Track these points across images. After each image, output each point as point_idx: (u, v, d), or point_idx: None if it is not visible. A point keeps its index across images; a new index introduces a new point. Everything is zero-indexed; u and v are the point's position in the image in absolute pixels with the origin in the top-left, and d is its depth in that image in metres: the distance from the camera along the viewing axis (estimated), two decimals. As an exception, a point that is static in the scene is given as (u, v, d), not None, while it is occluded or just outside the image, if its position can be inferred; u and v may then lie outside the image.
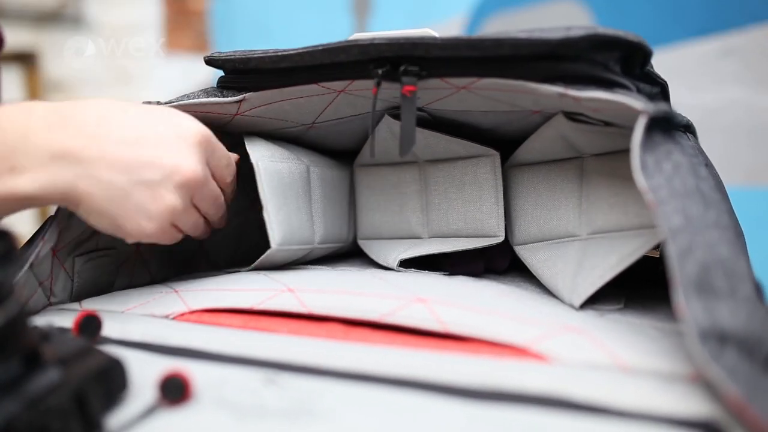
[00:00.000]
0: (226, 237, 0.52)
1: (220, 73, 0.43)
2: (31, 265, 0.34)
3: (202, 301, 0.35)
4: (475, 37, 0.32)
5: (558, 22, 1.13)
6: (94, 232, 0.39)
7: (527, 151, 0.42)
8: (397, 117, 0.42)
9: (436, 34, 0.34)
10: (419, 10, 1.37)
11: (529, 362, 0.27)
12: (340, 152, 0.52)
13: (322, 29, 1.52)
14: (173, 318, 0.34)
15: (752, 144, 0.95)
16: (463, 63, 0.34)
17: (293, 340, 0.30)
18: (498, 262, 0.46)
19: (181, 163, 0.33)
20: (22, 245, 0.36)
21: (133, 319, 0.33)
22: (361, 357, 0.28)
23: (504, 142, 0.44)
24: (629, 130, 0.29)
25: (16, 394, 0.20)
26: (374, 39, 0.34)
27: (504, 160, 0.43)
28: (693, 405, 0.23)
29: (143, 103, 0.37)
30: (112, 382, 0.24)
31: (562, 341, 0.28)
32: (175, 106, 0.40)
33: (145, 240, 0.34)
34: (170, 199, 0.33)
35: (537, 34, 0.31)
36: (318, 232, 0.45)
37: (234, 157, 0.40)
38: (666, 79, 0.38)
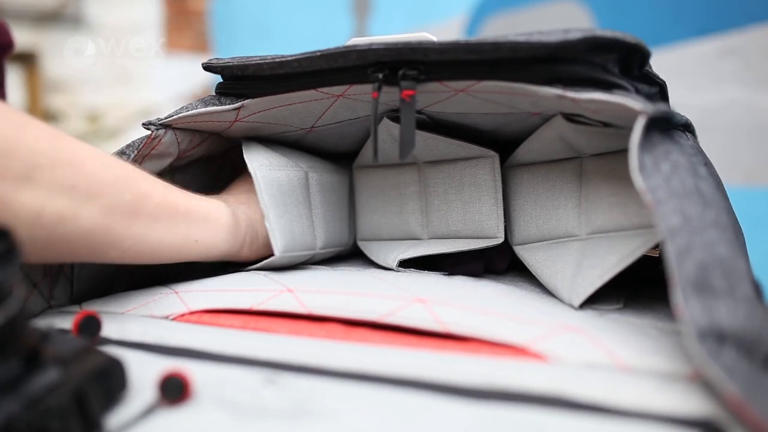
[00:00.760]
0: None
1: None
2: (26, 273, 0.34)
3: (201, 301, 0.35)
4: (473, 40, 0.33)
5: (558, 22, 1.13)
6: None
7: (526, 151, 0.42)
8: (395, 120, 0.42)
9: (434, 38, 0.34)
10: (419, 11, 1.37)
11: (529, 362, 0.27)
12: (339, 155, 0.52)
13: (322, 30, 1.52)
14: (173, 319, 0.34)
15: (752, 144, 0.95)
16: (462, 66, 0.34)
17: (293, 341, 0.30)
18: (497, 263, 0.46)
19: None
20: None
21: (133, 320, 0.33)
22: (360, 357, 0.28)
23: (503, 143, 0.44)
24: (628, 130, 0.29)
25: (15, 393, 0.20)
26: (372, 44, 0.34)
27: (503, 160, 0.43)
28: (692, 404, 0.23)
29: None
30: (111, 381, 0.24)
31: (561, 341, 0.28)
32: (175, 119, 0.40)
33: None
34: None
35: (536, 37, 0.31)
36: (319, 237, 0.45)
37: None
38: (666, 79, 0.38)
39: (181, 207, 0.35)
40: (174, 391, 0.24)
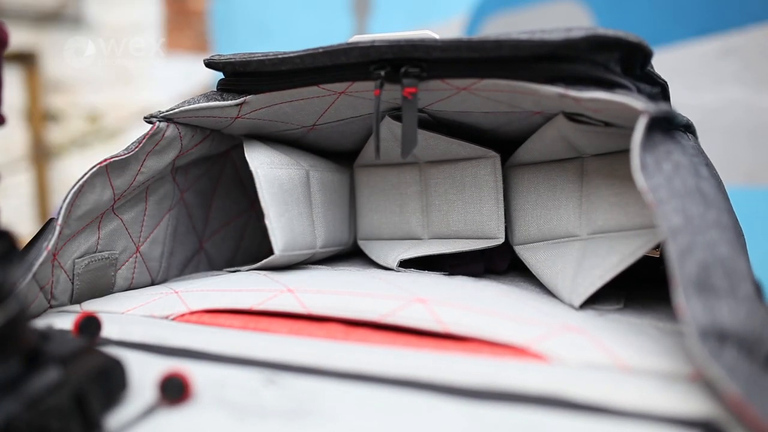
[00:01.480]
0: (226, 237, 0.52)
1: (221, 73, 0.43)
2: (35, 274, 0.34)
3: (202, 301, 0.35)
4: (475, 38, 0.33)
5: (558, 22, 1.13)
6: (94, 234, 0.39)
7: (527, 151, 0.42)
8: (397, 118, 0.42)
9: (436, 36, 0.34)
10: (419, 10, 1.37)
11: (529, 362, 0.27)
12: (340, 153, 0.52)
13: (322, 29, 1.52)
14: (173, 319, 0.34)
15: (752, 144, 0.95)
16: (464, 64, 0.34)
17: (293, 341, 0.30)
18: (498, 263, 0.46)
19: None
20: (23, 246, 0.36)
21: (134, 320, 0.33)
22: (360, 357, 0.28)
23: (505, 143, 0.44)
24: (630, 130, 0.29)
25: (15, 393, 0.20)
26: (374, 41, 0.34)
27: (504, 160, 0.43)
28: (693, 404, 0.23)
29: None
30: (111, 382, 0.24)
31: (561, 341, 0.28)
32: (177, 113, 0.40)
33: None
34: None
35: (537, 36, 0.31)
36: (320, 236, 0.45)
37: None
38: (666, 79, 0.38)
39: None
40: (174, 391, 0.24)
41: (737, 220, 0.36)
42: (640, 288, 0.40)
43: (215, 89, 0.42)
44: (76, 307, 0.37)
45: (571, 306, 0.35)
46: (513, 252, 0.44)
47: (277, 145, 0.46)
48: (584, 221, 0.39)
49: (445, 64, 0.34)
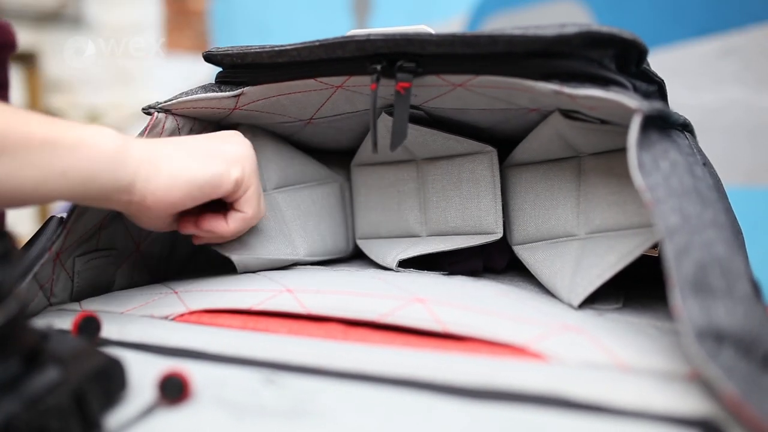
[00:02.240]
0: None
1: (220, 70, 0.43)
2: (35, 274, 0.34)
3: (201, 301, 0.35)
4: (470, 34, 0.33)
5: (558, 21, 1.14)
6: (95, 233, 0.39)
7: (525, 150, 0.42)
8: (392, 114, 0.42)
9: (432, 31, 0.34)
10: (419, 10, 1.37)
11: (528, 361, 0.27)
12: (336, 152, 0.52)
13: (321, 29, 1.52)
14: (173, 319, 0.34)
15: (752, 144, 0.95)
16: (459, 60, 0.34)
17: (292, 341, 0.30)
18: (497, 262, 0.46)
19: (239, 152, 0.37)
20: (21, 246, 0.36)
21: (133, 320, 0.33)
22: (359, 357, 0.28)
23: (502, 141, 0.44)
24: (626, 128, 0.29)
25: (15, 393, 0.20)
26: (370, 35, 0.34)
27: (502, 159, 0.43)
28: (691, 403, 0.23)
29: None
30: (111, 381, 0.24)
31: (560, 340, 0.28)
32: (175, 104, 0.40)
33: (220, 192, 0.36)
34: (243, 167, 0.37)
35: (531, 31, 0.31)
36: (301, 246, 0.45)
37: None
38: (666, 79, 0.38)
39: (36, 135, 0.30)
40: (173, 390, 0.24)
41: (736, 219, 0.36)
42: (640, 287, 0.40)
43: (213, 82, 0.42)
44: (75, 306, 0.37)
45: (570, 305, 0.35)
46: (512, 251, 0.44)
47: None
48: (582, 220, 0.39)
49: (441, 60, 0.35)
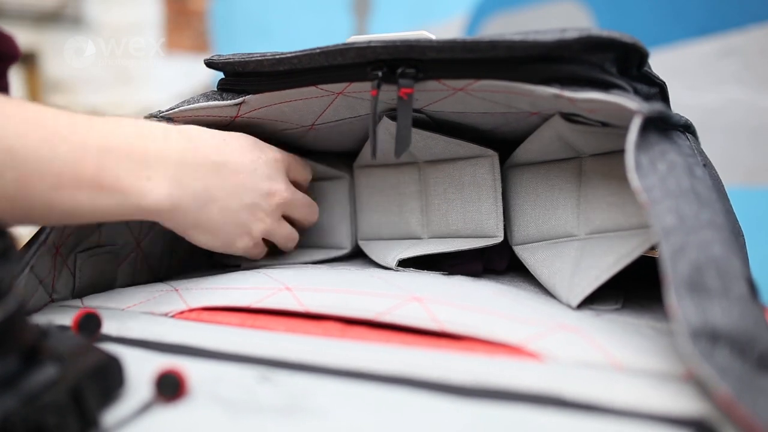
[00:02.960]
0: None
1: (220, 73, 0.43)
2: (32, 267, 0.35)
3: (201, 299, 0.35)
4: (470, 39, 0.33)
5: (558, 22, 1.14)
6: (96, 228, 0.39)
7: (526, 151, 0.42)
8: (394, 118, 0.42)
9: (433, 36, 0.34)
10: (419, 10, 1.37)
11: (523, 360, 0.27)
12: (341, 154, 0.52)
13: (322, 29, 1.52)
14: (172, 316, 0.34)
15: (752, 144, 0.95)
16: (459, 65, 0.34)
17: (289, 338, 0.30)
18: (497, 262, 0.46)
19: (273, 186, 0.39)
20: (23, 245, 0.36)
21: (133, 316, 0.34)
22: (355, 354, 0.28)
23: (503, 143, 0.44)
24: (626, 130, 0.29)
25: (13, 390, 0.20)
26: (371, 42, 0.34)
27: (503, 160, 0.43)
28: (685, 403, 0.23)
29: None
30: (109, 379, 0.24)
31: (556, 340, 0.28)
32: (176, 112, 0.40)
33: (238, 253, 0.40)
34: (267, 220, 0.40)
35: (531, 37, 0.31)
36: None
37: (301, 158, 0.45)
38: (666, 79, 0.38)
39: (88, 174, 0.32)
40: (170, 388, 0.24)
41: (736, 219, 0.36)
42: (640, 288, 0.40)
43: (215, 89, 0.43)
44: (77, 302, 0.37)
45: (569, 306, 0.35)
46: (512, 252, 0.44)
47: None
48: (582, 221, 0.39)
49: (441, 65, 0.35)
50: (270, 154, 0.40)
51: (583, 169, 0.40)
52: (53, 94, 1.73)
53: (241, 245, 0.39)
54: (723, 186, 0.37)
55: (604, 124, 0.36)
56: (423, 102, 0.39)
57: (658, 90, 0.38)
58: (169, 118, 0.40)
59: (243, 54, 0.40)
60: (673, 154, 0.29)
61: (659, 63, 0.38)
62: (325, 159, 0.50)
